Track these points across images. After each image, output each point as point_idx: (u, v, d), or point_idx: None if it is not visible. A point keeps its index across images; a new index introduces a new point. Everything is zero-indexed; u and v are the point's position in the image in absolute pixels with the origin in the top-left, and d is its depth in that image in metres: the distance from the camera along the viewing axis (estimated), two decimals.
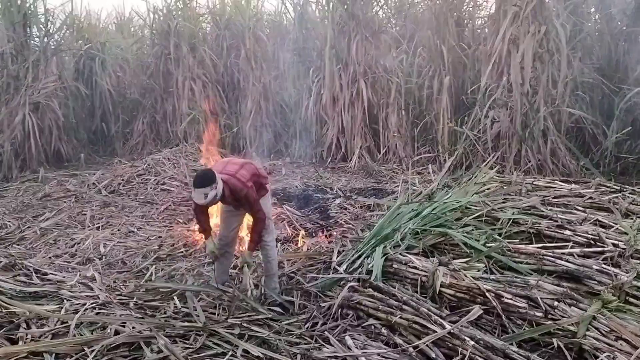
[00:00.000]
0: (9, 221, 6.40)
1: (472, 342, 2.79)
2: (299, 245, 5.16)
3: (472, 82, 9.02)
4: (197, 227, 4.16)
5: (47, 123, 10.25)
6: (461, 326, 2.91)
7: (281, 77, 11.18)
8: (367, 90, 9.74)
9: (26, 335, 2.83)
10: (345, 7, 9.70)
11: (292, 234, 5.56)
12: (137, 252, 5.14)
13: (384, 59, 9.88)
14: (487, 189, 5.37)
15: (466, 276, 3.41)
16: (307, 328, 3.40)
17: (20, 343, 2.71)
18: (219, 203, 3.85)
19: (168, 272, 4.55)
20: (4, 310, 3.04)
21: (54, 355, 2.63)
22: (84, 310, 3.20)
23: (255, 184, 3.80)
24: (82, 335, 2.93)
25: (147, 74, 12.32)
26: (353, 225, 5.82)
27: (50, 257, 4.86)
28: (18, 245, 5.49)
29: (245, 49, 11.09)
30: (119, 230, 6.01)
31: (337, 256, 4.62)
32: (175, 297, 3.78)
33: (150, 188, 8.03)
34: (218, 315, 3.55)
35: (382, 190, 7.65)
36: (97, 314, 3.29)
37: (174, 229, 5.94)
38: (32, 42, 10.17)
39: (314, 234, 5.62)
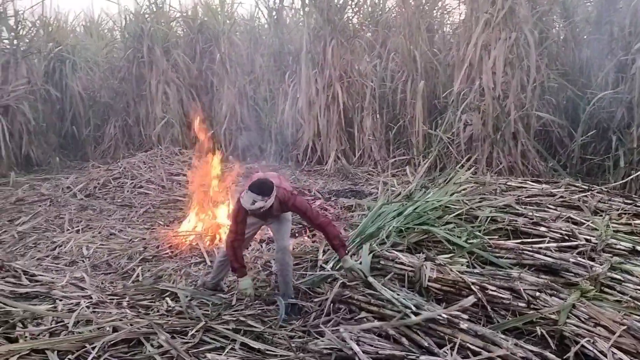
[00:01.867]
0: None
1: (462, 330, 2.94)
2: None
3: (444, 87, 9.28)
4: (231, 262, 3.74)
5: (17, 126, 10.05)
6: (451, 315, 3.05)
7: (256, 81, 11.26)
8: (342, 94, 9.90)
9: (24, 333, 2.84)
10: (321, 12, 9.85)
11: None
12: (122, 254, 5.12)
13: (359, 64, 10.08)
14: (464, 189, 5.59)
15: (452, 270, 3.57)
16: (300, 323, 3.49)
17: (21, 341, 2.71)
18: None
19: (155, 273, 4.57)
20: None
21: (55, 352, 2.65)
22: (80, 309, 3.21)
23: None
24: (80, 333, 2.95)
25: (119, 77, 12.21)
26: (335, 226, 5.93)
27: (36, 259, 4.80)
28: None
29: (220, 52, 11.11)
30: (99, 232, 5.97)
31: (323, 255, 4.73)
32: (166, 297, 3.83)
33: (127, 191, 7.96)
34: (210, 312, 3.61)
35: (360, 192, 7.80)
36: (92, 312, 3.31)
37: (157, 230, 5.93)
38: (1, 44, 9.95)
39: (297, 235, 5.71)
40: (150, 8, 11.49)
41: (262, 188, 3.40)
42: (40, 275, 3.91)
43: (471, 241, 4.14)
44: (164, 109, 11.31)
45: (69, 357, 2.66)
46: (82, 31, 14.38)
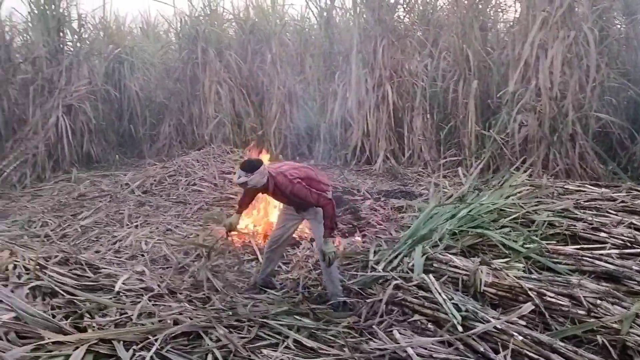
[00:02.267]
0: (50, 219, 6.62)
1: (520, 337, 2.89)
2: (335, 245, 5.27)
3: (497, 86, 9.07)
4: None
5: (78, 125, 10.51)
6: (508, 322, 3.00)
7: (305, 80, 11.36)
8: (392, 94, 9.85)
9: (92, 324, 2.99)
10: (372, 12, 9.82)
11: None
12: (178, 249, 5.29)
13: (409, 63, 9.99)
14: (519, 192, 5.46)
15: (508, 275, 3.51)
16: (352, 323, 3.51)
17: (90, 331, 2.86)
18: (281, 204, 4.24)
19: (210, 269, 4.70)
20: (67, 301, 3.21)
21: (121, 342, 2.77)
22: (143, 302, 3.34)
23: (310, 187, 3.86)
24: (143, 325, 3.08)
25: (174, 77, 12.58)
26: (385, 227, 5.93)
27: (97, 253, 5.03)
28: (61, 242, 5.68)
29: (271, 53, 11.27)
30: (157, 228, 6.19)
31: (374, 255, 4.73)
32: (220, 292, 3.95)
33: (182, 188, 8.20)
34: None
35: (410, 193, 7.74)
36: (153, 305, 3.44)
37: (210, 227, 6.09)
38: (65, 46, 10.46)
39: (347, 235, 5.74)
40: (204, 10, 11.79)
41: (247, 166, 3.76)
42: (104, 268, 4.10)
43: (528, 246, 4.05)
44: (216, 109, 11.57)
45: (133, 347, 2.78)
46: (139, 33, 14.92)
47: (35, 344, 2.53)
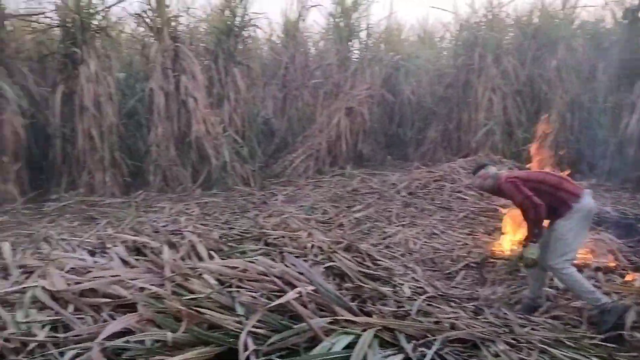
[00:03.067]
0: (328, 208, 7.37)
1: None
2: (629, 279, 4.54)
3: None
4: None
5: (355, 126, 11.48)
6: None
7: (594, 89, 10.13)
8: None
9: (375, 310, 3.16)
10: None
11: (615, 265, 4.94)
12: (445, 255, 5.29)
13: None
14: None
15: None
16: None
17: (374, 317, 3.03)
18: None
19: (479, 279, 4.56)
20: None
21: (403, 334, 2.85)
22: (420, 300, 3.41)
23: (548, 195, 3.67)
24: (421, 322, 3.12)
25: (445, 83, 12.69)
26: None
27: (374, 246, 5.38)
28: (339, 230, 6.25)
29: (556, 58, 10.39)
30: (423, 230, 6.30)
31: None
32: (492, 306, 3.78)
33: (447, 194, 8.19)
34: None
35: None
36: (427, 305, 3.48)
37: (478, 238, 5.93)
38: (352, 54, 11.55)
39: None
40: (486, 16, 11.56)
41: (474, 168, 4.22)
42: (380, 260, 4.33)
43: None
44: (486, 116, 11.25)
45: (413, 342, 2.83)
46: (415, 40, 15.51)
47: (331, 317, 2.79)
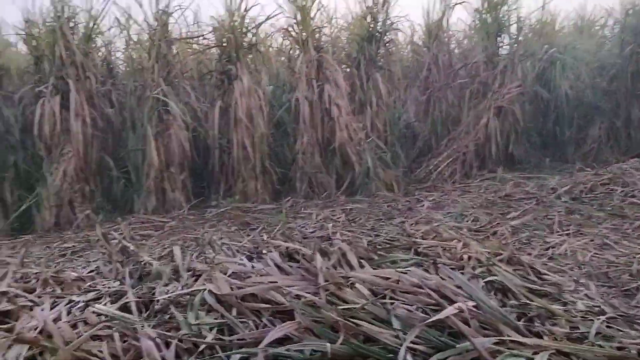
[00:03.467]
0: (480, 215, 6.93)
1: None
2: None
3: None
4: None
5: (506, 127, 10.75)
6: None
7: None
8: None
9: (545, 331, 2.83)
10: None
11: None
12: (622, 269, 4.63)
13: None
14: None
15: None
16: None
17: (545, 338, 2.71)
18: None
19: None
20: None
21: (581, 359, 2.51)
22: (600, 321, 2.99)
23: None
24: (601, 347, 2.72)
25: (609, 75, 11.37)
26: None
27: (537, 258, 4.91)
28: (495, 239, 5.82)
29: None
30: (592, 240, 5.61)
31: None
32: None
33: (618, 200, 7.25)
34: None
35: None
36: (606, 327, 3.04)
37: None
38: (501, 50, 10.84)
39: None
40: None
41: None
42: (547, 274, 3.91)
43: None
44: None
45: None
46: (572, 30, 14.10)
47: (496, 338, 2.54)
